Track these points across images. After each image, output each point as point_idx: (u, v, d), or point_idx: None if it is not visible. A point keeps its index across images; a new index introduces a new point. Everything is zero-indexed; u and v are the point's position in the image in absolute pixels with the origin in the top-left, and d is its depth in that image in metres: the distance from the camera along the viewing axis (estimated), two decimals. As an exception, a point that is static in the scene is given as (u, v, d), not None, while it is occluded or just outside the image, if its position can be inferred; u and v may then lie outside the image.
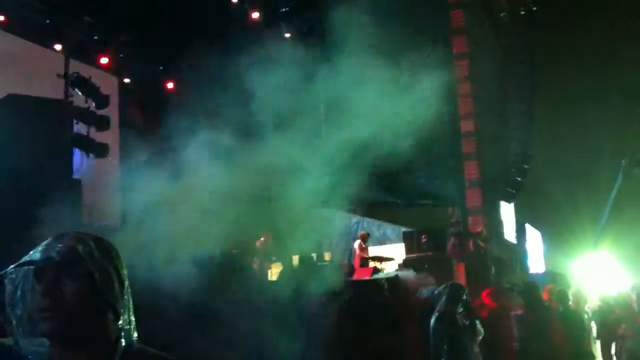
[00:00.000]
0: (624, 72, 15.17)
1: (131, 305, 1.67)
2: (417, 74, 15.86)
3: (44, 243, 1.60)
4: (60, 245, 1.57)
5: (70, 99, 10.44)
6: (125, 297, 1.64)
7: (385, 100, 15.95)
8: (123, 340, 1.59)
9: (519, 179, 15.40)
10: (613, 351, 9.76)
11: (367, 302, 8.41)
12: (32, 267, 1.54)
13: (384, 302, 8.68)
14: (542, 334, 7.12)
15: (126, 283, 1.65)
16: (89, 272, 1.55)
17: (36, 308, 1.53)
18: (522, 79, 15.15)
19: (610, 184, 15.02)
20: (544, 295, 8.96)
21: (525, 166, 15.40)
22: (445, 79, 15.77)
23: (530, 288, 7.45)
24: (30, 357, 1.56)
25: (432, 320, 6.41)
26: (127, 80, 14.34)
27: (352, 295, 8.33)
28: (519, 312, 7.36)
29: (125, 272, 1.67)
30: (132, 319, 1.66)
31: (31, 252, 1.58)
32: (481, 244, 12.53)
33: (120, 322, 1.60)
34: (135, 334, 1.66)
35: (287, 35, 16.09)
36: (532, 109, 15.27)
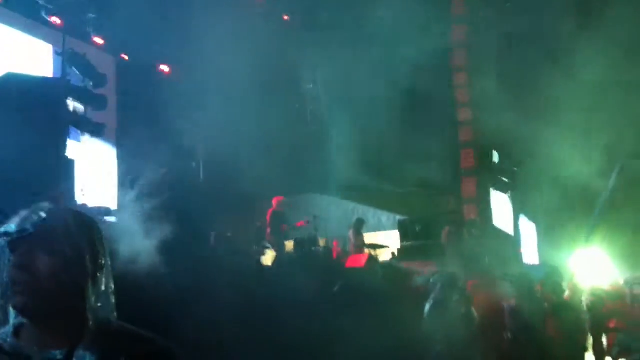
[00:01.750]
0: (625, 67, 15.15)
1: (111, 284, 1.63)
2: (414, 62, 15.94)
3: (21, 215, 1.56)
4: (36, 218, 1.54)
5: (68, 77, 10.34)
6: (100, 275, 1.59)
7: (382, 88, 15.98)
8: (93, 319, 1.55)
9: (515, 169, 15.43)
10: (605, 344, 9.83)
11: (360, 289, 8.40)
12: (6, 238, 1.51)
13: (378, 289, 8.67)
14: (535, 325, 7.14)
15: (103, 261, 1.61)
16: (62, 248, 1.51)
17: (9, 281, 1.50)
18: (520, 70, 15.13)
19: (605, 176, 15.07)
20: (538, 287, 8.99)
21: (524, 157, 15.43)
22: (442, 66, 15.89)
23: (523, 279, 7.46)
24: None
25: (427, 308, 6.43)
26: (124, 59, 14.24)
27: (345, 282, 8.32)
28: (512, 303, 7.37)
29: (104, 250, 1.62)
30: (112, 297, 1.63)
31: (7, 224, 1.55)
32: (475, 233, 12.56)
33: (93, 300, 1.55)
34: (115, 313, 1.63)
35: (286, 17, 16.05)
36: (530, 101, 15.25)
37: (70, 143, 8.81)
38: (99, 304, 1.58)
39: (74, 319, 1.52)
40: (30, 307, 1.50)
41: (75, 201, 7.95)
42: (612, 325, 10.44)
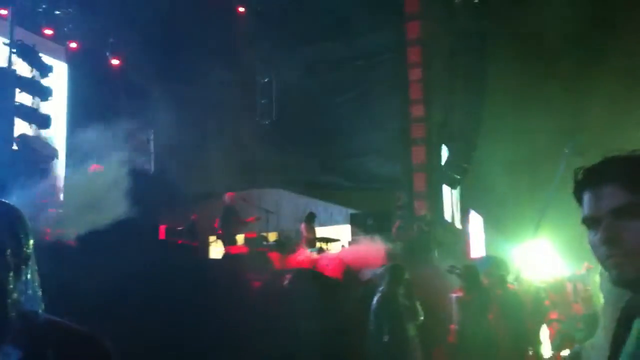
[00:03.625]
0: (567, 61, 15.55)
1: (35, 276, 1.58)
2: (371, 58, 16.06)
3: None
4: None
5: (14, 67, 10.11)
6: (25, 267, 1.55)
7: (336, 84, 16.03)
8: (17, 313, 1.51)
9: (464, 165, 15.67)
10: (546, 335, 10.09)
11: (307, 283, 8.49)
12: None
13: (324, 283, 8.77)
14: (481, 316, 7.29)
15: (26, 251, 1.56)
16: None
17: None
18: (471, 66, 15.37)
19: (552, 172, 15.40)
20: (484, 279, 9.19)
21: (472, 153, 15.67)
22: (397, 64, 16.06)
23: (469, 271, 7.61)
24: None
25: (374, 301, 6.54)
26: (73, 48, 13.99)
27: (292, 277, 8.39)
28: (459, 294, 7.52)
29: (28, 240, 1.57)
30: (37, 289, 1.58)
31: None
32: (425, 227, 12.75)
33: (16, 294, 1.50)
34: (42, 306, 1.59)
35: (241, 9, 15.97)
36: (479, 96, 15.52)
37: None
38: (23, 297, 1.53)
39: None
40: None
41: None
42: (554, 316, 10.74)
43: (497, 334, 7.38)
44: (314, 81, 16.25)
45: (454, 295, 7.58)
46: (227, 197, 12.60)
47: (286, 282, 8.26)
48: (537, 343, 9.56)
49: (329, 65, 16.53)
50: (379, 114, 15.92)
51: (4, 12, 11.78)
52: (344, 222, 15.83)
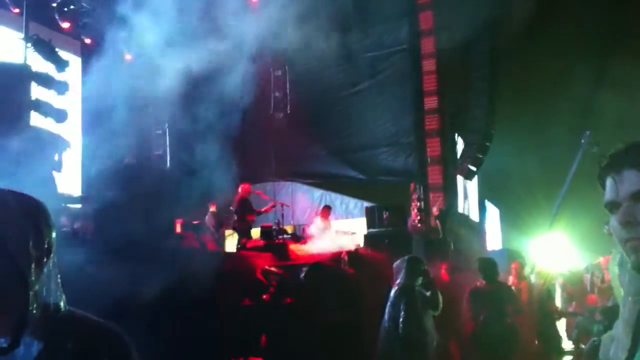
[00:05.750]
0: (587, 51, 15.41)
1: (56, 269, 1.59)
2: (384, 49, 15.99)
3: None
4: None
5: (30, 62, 10.18)
6: (47, 260, 1.55)
7: (350, 76, 15.99)
8: (39, 305, 1.52)
9: (480, 156, 15.59)
10: (564, 327, 10.07)
11: (325, 275, 8.49)
12: None
13: (340, 275, 8.77)
14: (500, 308, 7.28)
15: (48, 244, 1.56)
16: (3, 232, 1.47)
17: None
18: (485, 56, 15.28)
19: (568, 163, 15.27)
20: (513, 272, 9.19)
21: (487, 143, 15.59)
22: (410, 55, 15.99)
23: (487, 263, 7.59)
24: None
25: (392, 293, 6.53)
26: (87, 43, 14.06)
27: (310, 268, 8.40)
28: (477, 286, 7.50)
29: (51, 234, 1.58)
30: (58, 282, 1.59)
31: None
32: (440, 221, 12.72)
33: (37, 287, 1.52)
34: (64, 298, 1.59)
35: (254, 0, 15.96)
36: (494, 87, 15.43)
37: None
38: (45, 290, 1.54)
39: (16, 306, 1.47)
40: None
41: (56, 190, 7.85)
42: (571, 308, 10.70)
43: (515, 325, 7.37)
44: (328, 73, 16.22)
45: (472, 287, 7.56)
46: (242, 188, 12.63)
47: (302, 274, 8.27)
48: (555, 336, 9.56)
49: (342, 57, 16.48)
50: (393, 106, 15.87)
51: (16, 10, 11.89)
52: (359, 215, 15.80)
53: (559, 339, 9.70)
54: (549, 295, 9.61)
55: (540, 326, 9.04)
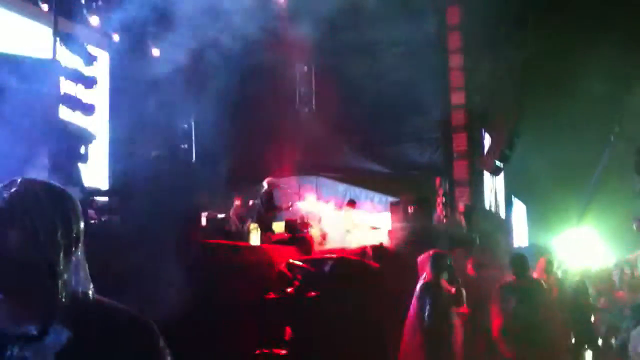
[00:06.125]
0: (614, 47, 15.16)
1: (84, 259, 1.62)
2: (411, 44, 15.90)
3: None
4: (8, 193, 1.53)
5: (58, 57, 10.30)
6: (75, 249, 1.58)
7: (375, 70, 15.93)
8: (67, 293, 1.54)
9: (506, 152, 15.46)
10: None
11: (350, 269, 8.49)
12: None
13: (367, 269, 8.76)
14: (531, 304, 7.21)
15: (77, 233, 1.59)
16: (32, 222, 1.50)
17: None
18: (513, 51, 15.14)
19: (596, 159, 15.11)
20: (539, 267, 9.10)
21: (514, 139, 15.45)
22: (437, 50, 15.89)
23: (519, 259, 7.51)
24: None
25: (417, 288, 6.51)
26: (116, 40, 14.18)
27: (335, 262, 8.40)
28: (507, 281, 7.43)
29: (79, 224, 1.60)
30: (87, 271, 1.61)
31: None
32: (465, 216, 12.63)
33: (66, 275, 1.54)
34: (92, 286, 1.62)
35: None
36: (522, 82, 15.29)
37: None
38: (73, 279, 1.56)
39: (45, 294, 1.51)
40: (1, 283, 1.50)
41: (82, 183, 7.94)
42: (600, 305, 10.56)
43: (546, 321, 7.30)
44: (354, 68, 16.18)
45: (502, 282, 7.49)
46: (267, 183, 12.67)
47: (327, 268, 8.28)
48: (591, 330, 9.47)
49: (368, 52, 16.43)
50: (419, 101, 15.79)
51: (45, 5, 12.03)
52: (384, 210, 15.74)
53: (594, 333, 9.61)
54: (585, 289, 9.50)
55: (575, 321, 8.95)
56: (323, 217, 12.63)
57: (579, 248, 14.19)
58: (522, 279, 7.29)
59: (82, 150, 7.98)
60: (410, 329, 6.45)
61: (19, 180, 1.58)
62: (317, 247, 10.63)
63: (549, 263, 9.24)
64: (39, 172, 5.66)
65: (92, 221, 7.16)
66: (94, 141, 8.34)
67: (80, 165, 7.74)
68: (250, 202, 12.77)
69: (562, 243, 13.89)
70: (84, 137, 8.09)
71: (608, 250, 15.88)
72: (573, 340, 9.11)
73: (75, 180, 7.22)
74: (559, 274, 9.90)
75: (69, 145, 7.72)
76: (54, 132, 7.19)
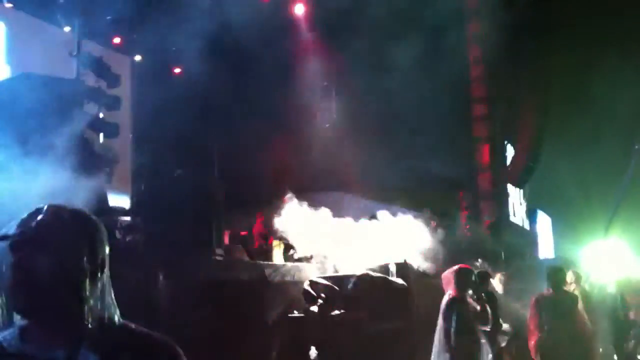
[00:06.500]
0: (638, 56, 15.01)
1: (110, 285, 1.63)
2: (431, 57, 15.86)
3: (22, 217, 1.58)
4: (36, 220, 1.55)
5: (82, 78, 10.45)
6: (101, 274, 1.60)
7: (398, 84, 15.91)
8: (94, 318, 1.56)
9: (531, 163, 15.32)
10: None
11: (374, 285, 8.42)
12: (7, 241, 1.53)
13: (391, 285, 8.69)
14: (566, 318, 7.13)
15: (102, 258, 1.61)
16: (59, 247, 1.52)
17: (9, 283, 1.51)
18: (535, 61, 15.05)
19: (622, 168, 14.89)
20: (567, 279, 8.97)
21: (538, 151, 15.31)
22: (459, 62, 15.83)
23: (556, 272, 7.43)
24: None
25: (442, 304, 6.45)
26: (138, 60, 14.36)
27: (359, 279, 8.34)
28: (543, 294, 7.35)
29: (104, 250, 1.62)
30: (112, 297, 1.63)
31: (8, 226, 1.56)
32: (491, 230, 12.51)
33: (92, 300, 1.56)
34: (118, 311, 1.63)
35: (300, 14, 16.02)
36: (545, 94, 15.17)
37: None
38: (99, 304, 1.58)
39: (72, 319, 1.53)
40: (29, 309, 1.52)
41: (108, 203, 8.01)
42: (631, 317, 10.37)
43: (583, 334, 7.21)
44: (374, 83, 16.17)
45: (537, 296, 7.40)
46: (289, 200, 12.64)
47: (351, 285, 8.22)
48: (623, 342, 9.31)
49: (390, 66, 16.41)
50: (441, 113, 15.72)
51: (68, 28, 12.22)
52: (407, 225, 15.64)
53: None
54: (624, 304, 9.35)
55: (615, 337, 8.83)
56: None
57: (607, 259, 13.94)
58: (558, 292, 7.21)
59: (107, 170, 8.06)
60: (437, 345, 6.38)
61: (46, 207, 1.60)
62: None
63: (576, 276, 9.12)
64: (64, 192, 5.70)
65: (117, 239, 7.20)
66: (118, 161, 8.43)
67: (104, 185, 7.81)
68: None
69: (589, 255, 13.66)
70: (109, 158, 8.17)
71: (637, 261, 15.59)
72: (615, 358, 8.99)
73: (101, 201, 7.28)
74: (586, 287, 9.75)
75: (94, 165, 7.80)
76: (79, 152, 7.26)
